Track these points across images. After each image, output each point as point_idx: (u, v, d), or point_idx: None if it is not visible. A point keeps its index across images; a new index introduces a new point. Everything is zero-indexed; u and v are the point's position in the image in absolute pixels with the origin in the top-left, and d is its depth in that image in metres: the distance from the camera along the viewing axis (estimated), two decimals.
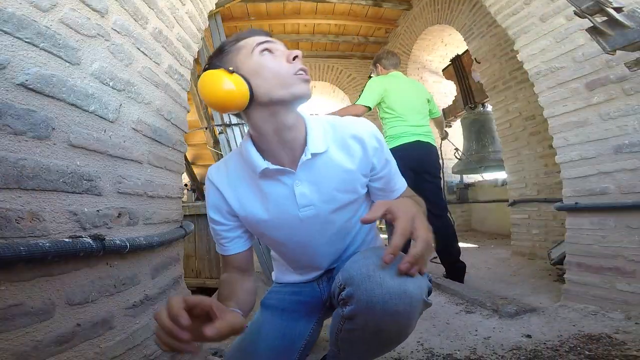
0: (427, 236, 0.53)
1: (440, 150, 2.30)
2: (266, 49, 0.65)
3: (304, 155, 0.68)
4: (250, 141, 0.71)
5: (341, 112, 1.96)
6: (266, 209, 0.73)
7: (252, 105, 0.64)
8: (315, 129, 0.71)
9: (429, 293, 0.57)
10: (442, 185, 2.07)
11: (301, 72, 0.64)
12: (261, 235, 0.80)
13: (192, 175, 4.51)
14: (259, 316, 0.87)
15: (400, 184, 0.82)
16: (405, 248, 0.52)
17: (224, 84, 0.60)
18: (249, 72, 0.62)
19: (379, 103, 2.01)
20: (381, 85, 1.97)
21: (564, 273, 1.53)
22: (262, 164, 0.68)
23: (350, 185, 0.73)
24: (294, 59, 0.64)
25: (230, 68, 0.62)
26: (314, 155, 0.68)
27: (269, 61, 0.64)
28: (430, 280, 0.58)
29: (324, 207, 0.72)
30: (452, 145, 3.14)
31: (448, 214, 2.07)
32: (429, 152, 1.98)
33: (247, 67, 0.63)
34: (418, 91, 2.07)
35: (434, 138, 2.04)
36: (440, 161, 2.17)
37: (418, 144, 1.93)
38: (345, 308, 0.57)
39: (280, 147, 0.69)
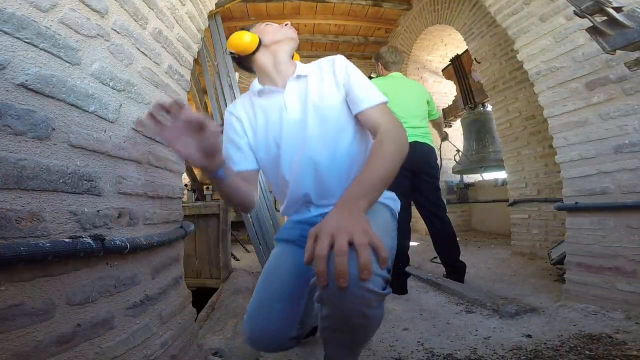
0: (319, 249, 0.56)
1: (440, 151, 2.30)
2: (268, 24, 1.05)
3: (292, 75, 0.96)
4: (255, 80, 1.03)
5: None
6: (264, 113, 0.98)
7: (260, 49, 0.98)
8: (303, 65, 1.00)
9: (385, 285, 0.60)
10: (439, 186, 2.06)
11: (290, 27, 1.03)
12: (264, 144, 0.97)
13: (192, 175, 4.51)
14: (276, 250, 1.01)
15: (368, 97, 0.89)
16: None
17: (245, 36, 0.96)
18: (258, 32, 1.00)
19: None
20: (378, 89, 1.97)
21: (564, 273, 1.53)
22: (259, 86, 0.99)
23: (327, 96, 0.92)
24: (285, 25, 1.03)
25: (246, 28, 1.01)
26: (299, 76, 0.96)
27: (270, 26, 1.03)
28: (389, 272, 0.61)
29: (308, 113, 0.92)
30: (453, 146, 3.12)
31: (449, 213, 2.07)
32: (426, 153, 1.98)
33: (257, 31, 1.01)
34: (417, 92, 2.07)
35: (431, 139, 2.04)
36: (439, 161, 2.16)
37: (415, 144, 1.93)
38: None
39: (277, 76, 0.97)
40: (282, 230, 1.04)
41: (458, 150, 2.91)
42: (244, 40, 0.95)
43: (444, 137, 2.56)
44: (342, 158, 0.92)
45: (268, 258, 1.00)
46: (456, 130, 4.80)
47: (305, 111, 0.92)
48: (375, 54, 2.24)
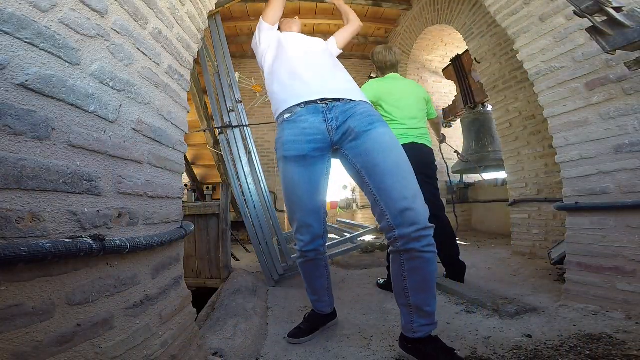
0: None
1: (441, 152, 2.30)
2: (286, 19, 1.65)
3: None
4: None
5: None
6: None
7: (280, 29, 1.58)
8: None
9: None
10: (438, 186, 2.06)
11: (296, 20, 1.66)
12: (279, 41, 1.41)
13: (192, 175, 4.51)
14: (288, 169, 1.21)
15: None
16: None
17: None
18: (281, 24, 1.63)
19: (375, 107, 2.01)
20: (375, 91, 1.97)
21: (565, 273, 1.53)
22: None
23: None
24: (294, 18, 1.66)
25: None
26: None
27: (285, 19, 1.65)
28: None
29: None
30: (451, 148, 3.12)
31: (451, 213, 2.07)
32: (424, 153, 1.98)
33: (281, 23, 1.63)
34: (415, 93, 2.06)
35: (430, 140, 2.04)
36: (442, 162, 2.16)
37: (413, 145, 1.93)
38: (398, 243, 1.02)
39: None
40: (287, 144, 1.20)
41: (456, 152, 2.92)
42: None
43: (442, 140, 2.56)
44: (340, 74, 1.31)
45: (281, 172, 1.24)
46: (456, 130, 4.80)
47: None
48: (370, 54, 2.23)
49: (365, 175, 1.09)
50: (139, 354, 0.76)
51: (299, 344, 1.28)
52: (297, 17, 1.65)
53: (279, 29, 1.55)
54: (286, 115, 1.21)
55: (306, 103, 1.18)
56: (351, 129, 1.13)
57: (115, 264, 0.73)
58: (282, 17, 1.58)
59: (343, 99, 1.18)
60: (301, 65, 1.26)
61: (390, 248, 1.07)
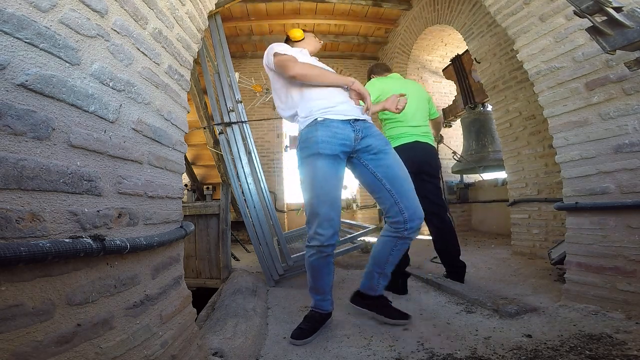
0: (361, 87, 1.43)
1: (438, 152, 2.30)
2: (314, 36, 1.79)
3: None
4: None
5: None
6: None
7: (301, 41, 1.72)
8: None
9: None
10: (440, 185, 2.06)
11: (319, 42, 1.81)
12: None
13: (192, 175, 4.51)
14: (320, 165, 1.32)
15: None
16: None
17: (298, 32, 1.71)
18: (306, 36, 1.76)
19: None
20: (378, 87, 1.98)
21: (565, 273, 1.53)
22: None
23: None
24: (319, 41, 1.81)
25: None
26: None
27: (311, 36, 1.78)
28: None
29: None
30: (450, 149, 3.10)
31: (448, 214, 2.07)
32: (427, 152, 1.98)
33: (306, 35, 1.76)
34: (417, 92, 2.07)
35: (432, 138, 2.04)
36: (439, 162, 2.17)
37: (416, 144, 1.93)
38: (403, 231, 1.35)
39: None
40: (321, 143, 1.32)
41: (454, 152, 2.90)
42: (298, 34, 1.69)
43: (440, 140, 2.56)
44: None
45: (310, 168, 1.34)
46: (456, 130, 4.80)
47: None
48: (368, 71, 2.26)
49: (387, 182, 1.36)
50: (139, 354, 0.76)
51: (301, 345, 1.28)
52: (317, 37, 1.77)
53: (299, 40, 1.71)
54: (319, 119, 1.36)
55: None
56: (372, 146, 1.39)
57: (115, 264, 0.73)
58: (302, 28, 1.77)
59: (361, 119, 1.43)
60: (333, 90, 1.44)
61: (390, 233, 1.37)
